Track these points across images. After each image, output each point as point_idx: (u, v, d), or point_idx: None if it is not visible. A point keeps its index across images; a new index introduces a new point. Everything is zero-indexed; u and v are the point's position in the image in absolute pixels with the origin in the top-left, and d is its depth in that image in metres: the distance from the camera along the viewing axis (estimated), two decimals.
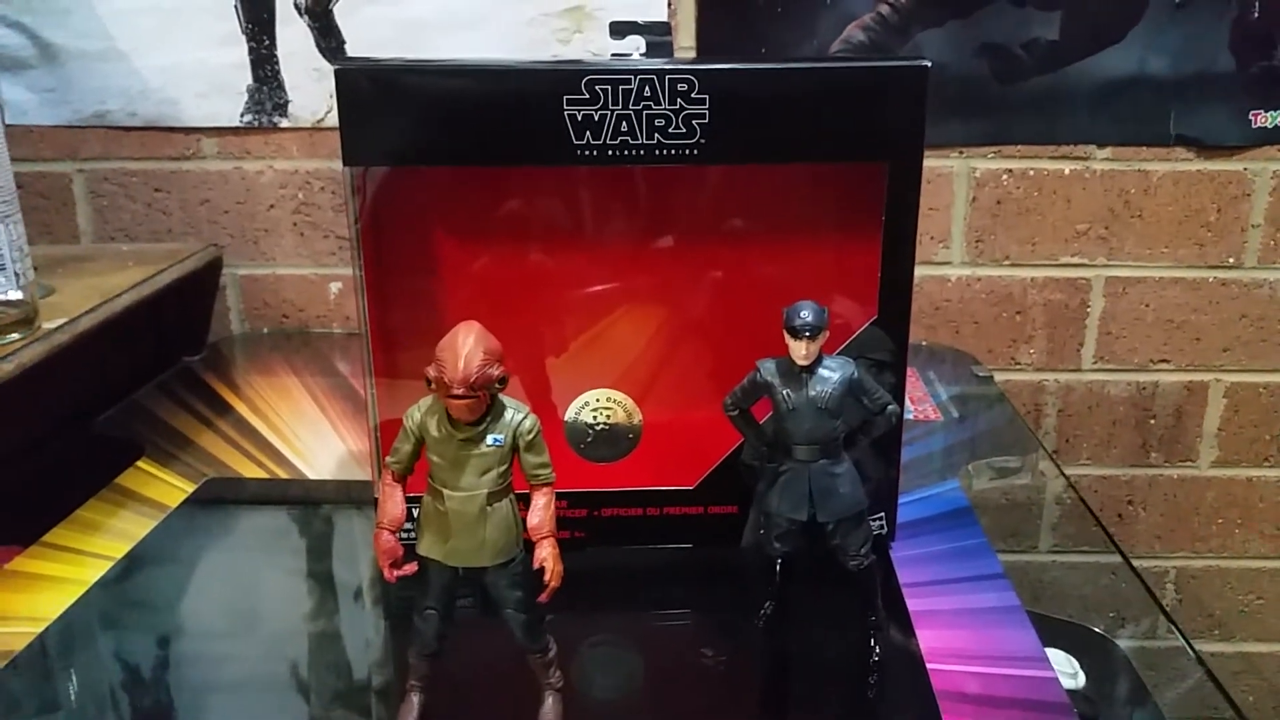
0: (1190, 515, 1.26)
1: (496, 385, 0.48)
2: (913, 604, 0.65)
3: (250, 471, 0.83)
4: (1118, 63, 1.07)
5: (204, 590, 0.70)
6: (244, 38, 1.08)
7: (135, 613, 0.67)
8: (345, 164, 0.61)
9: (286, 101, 1.09)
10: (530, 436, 0.50)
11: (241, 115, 1.10)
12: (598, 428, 0.69)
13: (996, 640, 0.62)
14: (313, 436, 0.89)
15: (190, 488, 0.80)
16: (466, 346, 0.47)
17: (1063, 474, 0.88)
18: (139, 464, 0.84)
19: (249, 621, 0.66)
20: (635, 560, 0.71)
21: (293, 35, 1.08)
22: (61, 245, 1.12)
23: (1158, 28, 1.05)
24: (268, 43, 1.08)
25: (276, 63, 1.08)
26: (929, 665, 0.59)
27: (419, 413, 0.50)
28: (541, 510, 0.51)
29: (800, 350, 0.54)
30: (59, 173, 1.12)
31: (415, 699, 0.53)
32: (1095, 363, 1.19)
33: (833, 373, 0.55)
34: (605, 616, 0.66)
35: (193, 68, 1.08)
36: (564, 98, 0.60)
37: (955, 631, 0.63)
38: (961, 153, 1.11)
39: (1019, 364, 1.19)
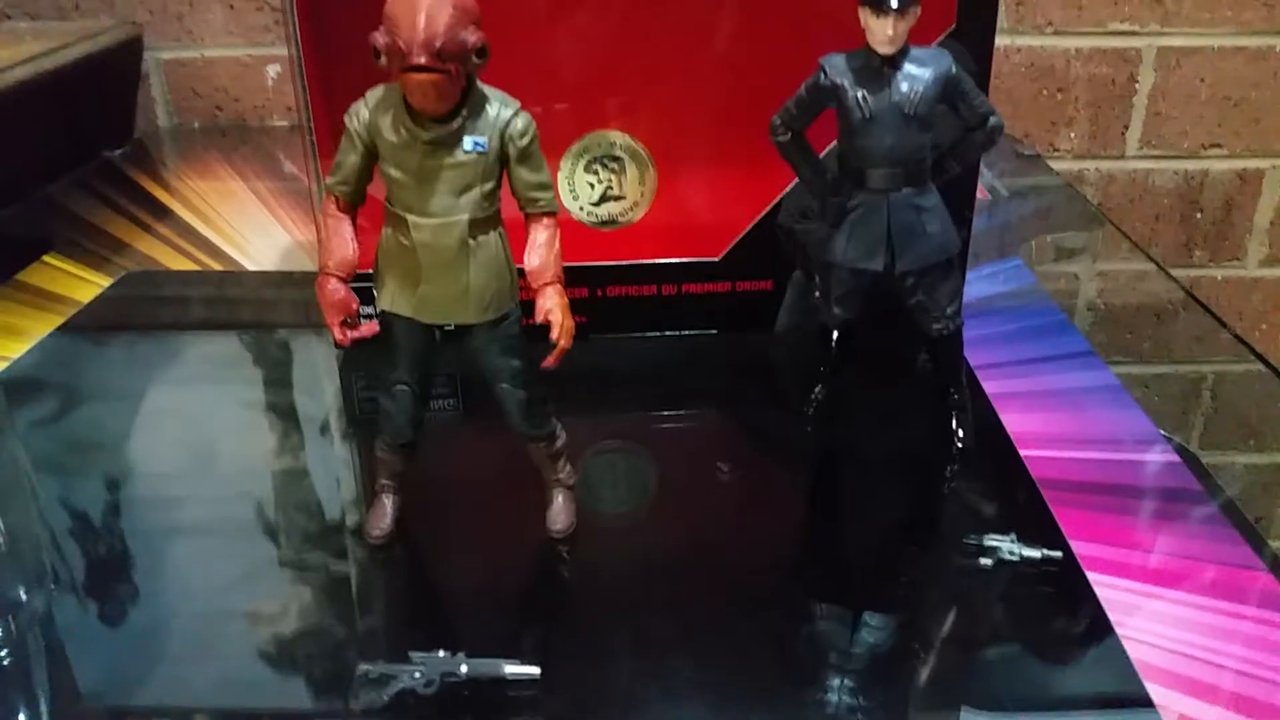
0: (1234, 320, 1.15)
1: (474, 59, 0.34)
2: (990, 387, 0.54)
3: (180, 266, 0.69)
4: None
5: (110, 396, 0.56)
6: None
7: (29, 428, 0.54)
8: None
9: None
10: (525, 141, 0.36)
11: None
12: (602, 184, 0.56)
13: (1098, 422, 0.51)
14: (256, 233, 0.75)
15: (106, 282, 0.66)
16: None
17: (1144, 251, 0.76)
18: (45, 259, 0.69)
19: (165, 434, 0.53)
20: (649, 350, 0.59)
21: None
22: None
23: None
24: None
25: None
26: (1022, 451, 0.48)
27: (367, 109, 0.36)
28: (543, 248, 0.37)
29: (885, 30, 0.40)
30: None
31: (387, 502, 0.41)
32: (1141, 148, 1.06)
33: (924, 68, 0.42)
34: (615, 417, 0.54)
35: None
36: None
37: (1047, 414, 0.52)
38: None
39: (1057, 150, 1.06)
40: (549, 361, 0.37)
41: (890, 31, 0.40)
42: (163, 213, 0.79)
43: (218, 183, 0.87)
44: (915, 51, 0.42)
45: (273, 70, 0.99)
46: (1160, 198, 1.09)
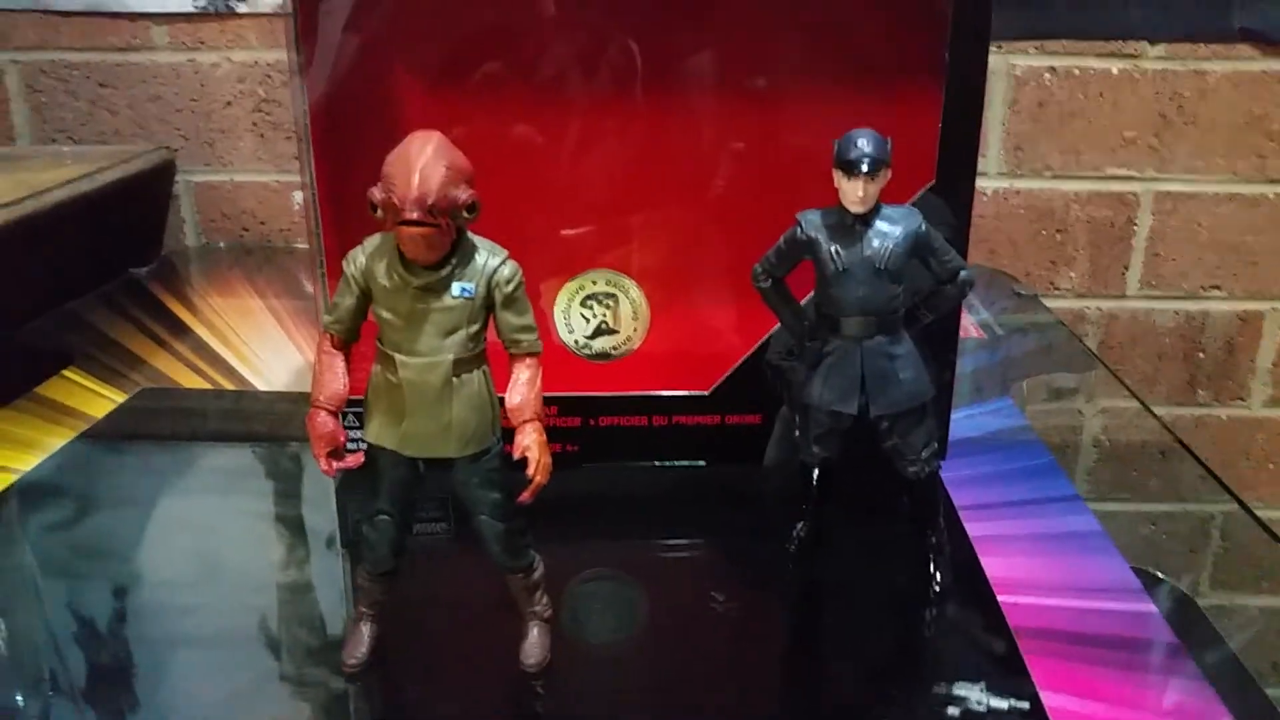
0: (1239, 459, 1.15)
1: (463, 214, 0.36)
2: (973, 529, 0.54)
3: (193, 384, 0.72)
4: None
5: (117, 511, 0.58)
6: None
7: (37, 530, 0.55)
8: None
9: None
10: (510, 288, 0.39)
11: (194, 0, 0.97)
12: (596, 318, 0.58)
13: (1078, 569, 0.51)
14: (271, 354, 0.78)
15: (122, 398, 0.69)
16: (423, 158, 0.35)
17: (1133, 394, 0.77)
18: (65, 373, 0.72)
19: (164, 546, 0.55)
20: (639, 480, 0.60)
21: None
22: None
23: None
24: None
25: None
26: (1000, 597, 0.48)
27: (363, 255, 0.38)
28: (524, 387, 0.39)
29: (855, 192, 0.42)
30: None
31: (365, 630, 0.42)
32: (1141, 288, 1.08)
33: (894, 225, 0.44)
34: (602, 545, 0.55)
35: None
36: None
37: (1027, 560, 0.52)
38: (1000, 47, 0.99)
39: (1058, 289, 1.08)
40: (525, 497, 0.39)
41: (860, 193, 0.42)
42: (182, 330, 0.82)
43: (238, 301, 0.90)
44: (887, 210, 0.44)
45: (298, 196, 1.03)
46: (1162, 337, 1.10)
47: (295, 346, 0.80)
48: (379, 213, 0.36)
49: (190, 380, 0.73)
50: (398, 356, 0.38)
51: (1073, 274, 1.07)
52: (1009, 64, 1.00)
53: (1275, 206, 1.05)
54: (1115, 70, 1.00)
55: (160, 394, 0.70)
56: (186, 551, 0.53)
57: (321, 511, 0.58)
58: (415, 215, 0.35)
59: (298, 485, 0.61)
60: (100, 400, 0.68)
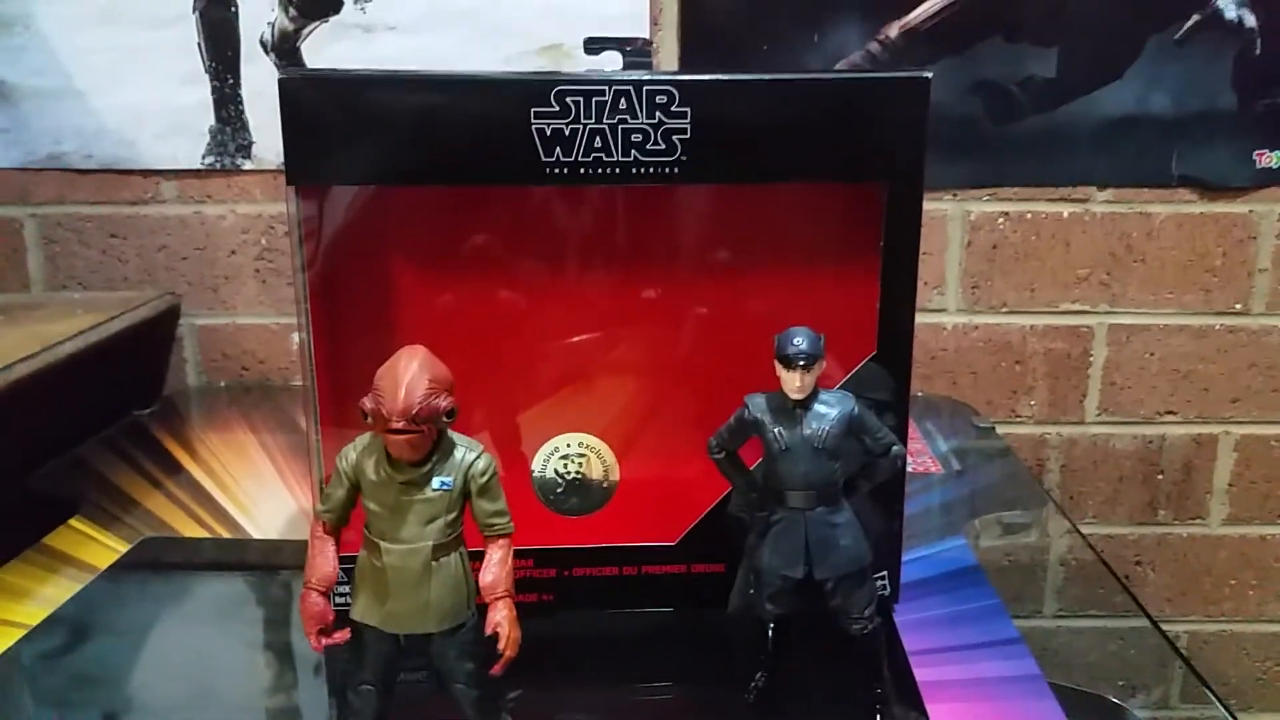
0: (1202, 576, 1.19)
1: (444, 419, 0.42)
2: (921, 674, 0.58)
3: (192, 532, 0.76)
4: (1117, 101, 1.03)
5: (122, 660, 0.62)
6: (207, 76, 1.03)
7: (46, 686, 0.59)
8: (289, 182, 0.56)
9: (250, 143, 1.04)
10: (484, 479, 0.43)
11: (203, 157, 1.05)
12: (569, 477, 0.63)
13: (1016, 714, 0.55)
14: (264, 496, 0.82)
15: (124, 548, 0.73)
16: (409, 373, 0.40)
17: (1076, 530, 0.82)
18: (71, 522, 0.76)
19: (168, 695, 0.58)
20: (610, 626, 0.63)
21: (258, 74, 1.03)
22: (8, 294, 1.06)
23: (1157, 64, 1.01)
24: (231, 81, 1.03)
25: (240, 102, 1.04)
26: None
27: (354, 452, 0.44)
28: (497, 566, 0.44)
29: (794, 382, 0.48)
30: (9, 217, 1.06)
31: None
32: (1099, 415, 1.13)
33: (830, 408, 0.49)
34: (575, 690, 0.59)
35: (152, 107, 1.03)
36: (531, 110, 0.54)
37: (970, 705, 0.56)
38: (956, 195, 1.06)
39: (1019, 416, 1.13)
40: (496, 670, 0.43)
41: (798, 383, 0.48)
42: (181, 474, 0.86)
43: (234, 438, 0.95)
44: (824, 395, 0.50)
45: (296, 337, 1.09)
46: (1122, 460, 1.15)
47: (286, 487, 0.84)
48: (369, 419, 0.41)
49: (188, 526, 0.77)
50: (382, 544, 0.42)
51: (1033, 402, 1.13)
52: (964, 210, 1.07)
53: (1222, 336, 1.11)
54: (1066, 213, 1.07)
55: (160, 544, 0.74)
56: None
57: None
58: (401, 425, 0.40)
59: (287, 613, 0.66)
60: (104, 551, 0.73)
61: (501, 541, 0.44)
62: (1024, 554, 0.78)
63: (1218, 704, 0.59)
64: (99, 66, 1.02)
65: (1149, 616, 0.68)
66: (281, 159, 0.55)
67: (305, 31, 1.02)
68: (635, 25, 0.98)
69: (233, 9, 1.01)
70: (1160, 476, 1.15)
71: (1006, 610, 0.65)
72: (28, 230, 1.06)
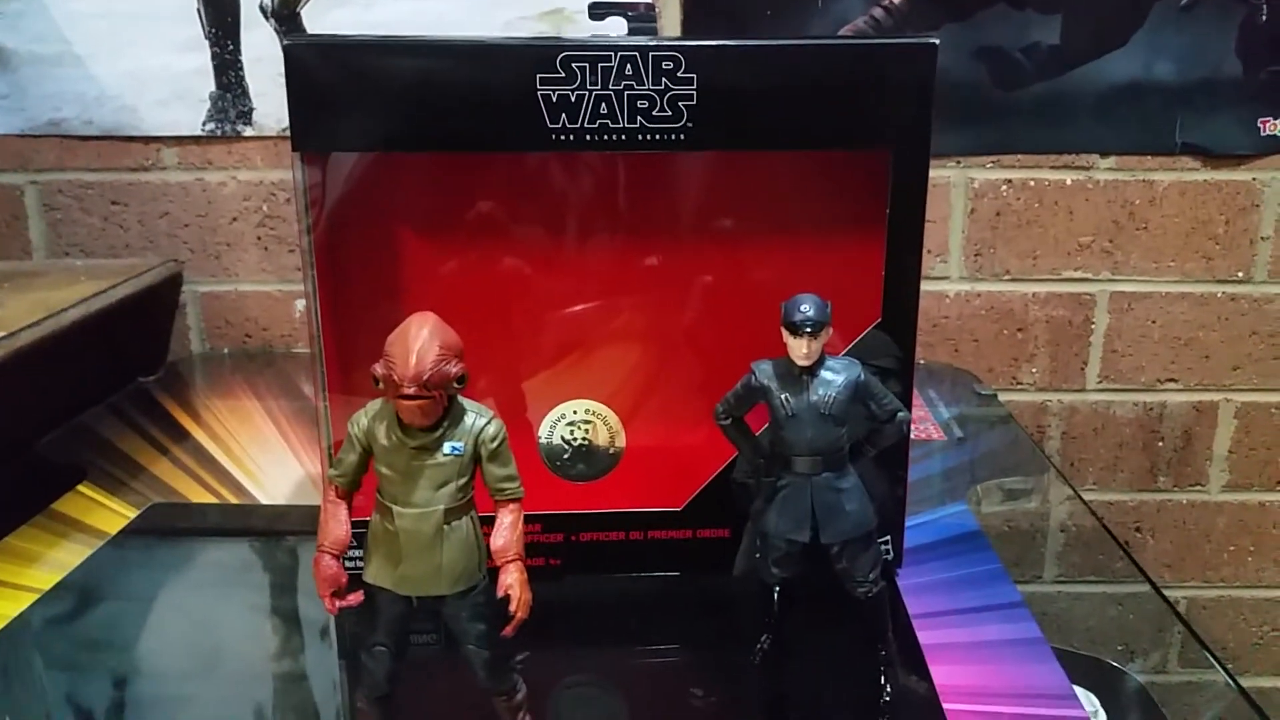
0: (1201, 542, 1.20)
1: (454, 385, 0.42)
2: (924, 636, 0.59)
3: (200, 497, 0.76)
4: (1121, 68, 1.02)
5: (132, 626, 0.62)
6: (207, 43, 1.02)
7: (57, 650, 0.60)
8: (294, 149, 0.56)
9: (251, 109, 1.03)
10: (494, 444, 0.44)
11: (203, 124, 1.04)
12: (576, 443, 0.63)
13: (1019, 676, 0.56)
14: (271, 462, 0.83)
15: (133, 514, 0.73)
16: (420, 339, 0.41)
17: (1077, 495, 0.82)
18: (79, 488, 0.77)
19: (178, 660, 0.59)
20: (617, 590, 0.64)
21: (258, 40, 1.02)
22: (11, 261, 1.06)
23: (1162, 31, 1.01)
24: (231, 48, 1.02)
25: (241, 69, 1.03)
26: (945, 705, 0.53)
27: (366, 418, 0.44)
28: (507, 530, 0.44)
29: (801, 349, 0.48)
30: (10, 184, 1.06)
31: None
32: (1100, 382, 1.14)
33: (837, 375, 0.49)
34: (583, 653, 0.59)
35: (153, 74, 1.03)
36: (537, 76, 0.54)
37: (973, 667, 0.57)
38: (959, 162, 1.06)
39: (1020, 384, 1.14)
40: (507, 631, 0.44)
41: (805, 350, 0.48)
42: (187, 440, 0.87)
43: (239, 404, 0.95)
44: (830, 361, 0.50)
45: (300, 304, 1.09)
46: (1122, 427, 1.16)
47: (291, 453, 0.85)
48: (380, 385, 0.41)
49: (195, 492, 0.78)
50: (395, 508, 0.43)
51: (1034, 369, 1.13)
52: (968, 177, 1.06)
53: (1223, 304, 1.11)
54: (1069, 181, 1.07)
55: (168, 509, 0.75)
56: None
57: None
58: (412, 390, 0.40)
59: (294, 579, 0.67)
60: (113, 516, 0.73)
61: (512, 506, 0.45)
62: (1025, 520, 0.78)
63: (1218, 667, 0.59)
64: (99, 32, 1.02)
65: (1150, 581, 0.69)
66: (282, 125, 0.55)
67: None
68: None
69: None
70: (1160, 443, 1.16)
71: (1008, 575, 0.66)
72: (28, 197, 1.06)
